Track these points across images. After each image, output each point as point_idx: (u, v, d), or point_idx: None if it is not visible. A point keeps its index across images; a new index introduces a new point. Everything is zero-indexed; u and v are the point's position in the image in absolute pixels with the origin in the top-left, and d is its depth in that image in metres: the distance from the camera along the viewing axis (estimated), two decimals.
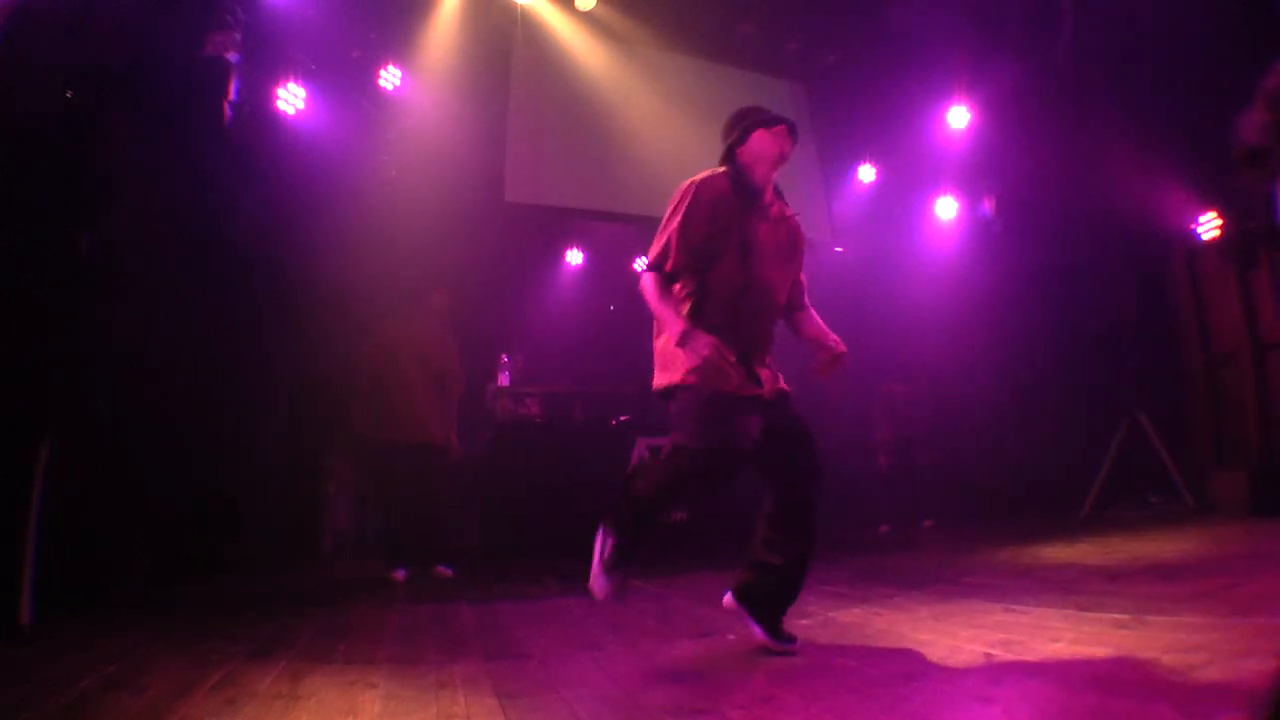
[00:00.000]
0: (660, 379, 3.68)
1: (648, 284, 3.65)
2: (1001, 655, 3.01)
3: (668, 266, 3.61)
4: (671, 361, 3.60)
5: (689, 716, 2.63)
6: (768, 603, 3.59)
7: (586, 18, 9.70)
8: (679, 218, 3.58)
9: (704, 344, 3.28)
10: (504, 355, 9.06)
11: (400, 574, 6.69)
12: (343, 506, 8.71)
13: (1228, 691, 2.24)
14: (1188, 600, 3.62)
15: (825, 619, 4.16)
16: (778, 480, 3.63)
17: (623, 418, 9.07)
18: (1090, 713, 2.22)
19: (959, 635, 3.44)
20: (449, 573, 6.85)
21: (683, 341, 3.35)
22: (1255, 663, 2.47)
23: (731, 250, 3.56)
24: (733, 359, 3.41)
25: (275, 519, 7.94)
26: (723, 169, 3.74)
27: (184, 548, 6.63)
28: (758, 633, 3.55)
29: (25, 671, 3.48)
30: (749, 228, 3.60)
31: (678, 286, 3.66)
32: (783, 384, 3.69)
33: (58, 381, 5.17)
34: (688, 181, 3.64)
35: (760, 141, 3.66)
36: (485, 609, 5.28)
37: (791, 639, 3.52)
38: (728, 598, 3.72)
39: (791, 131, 3.69)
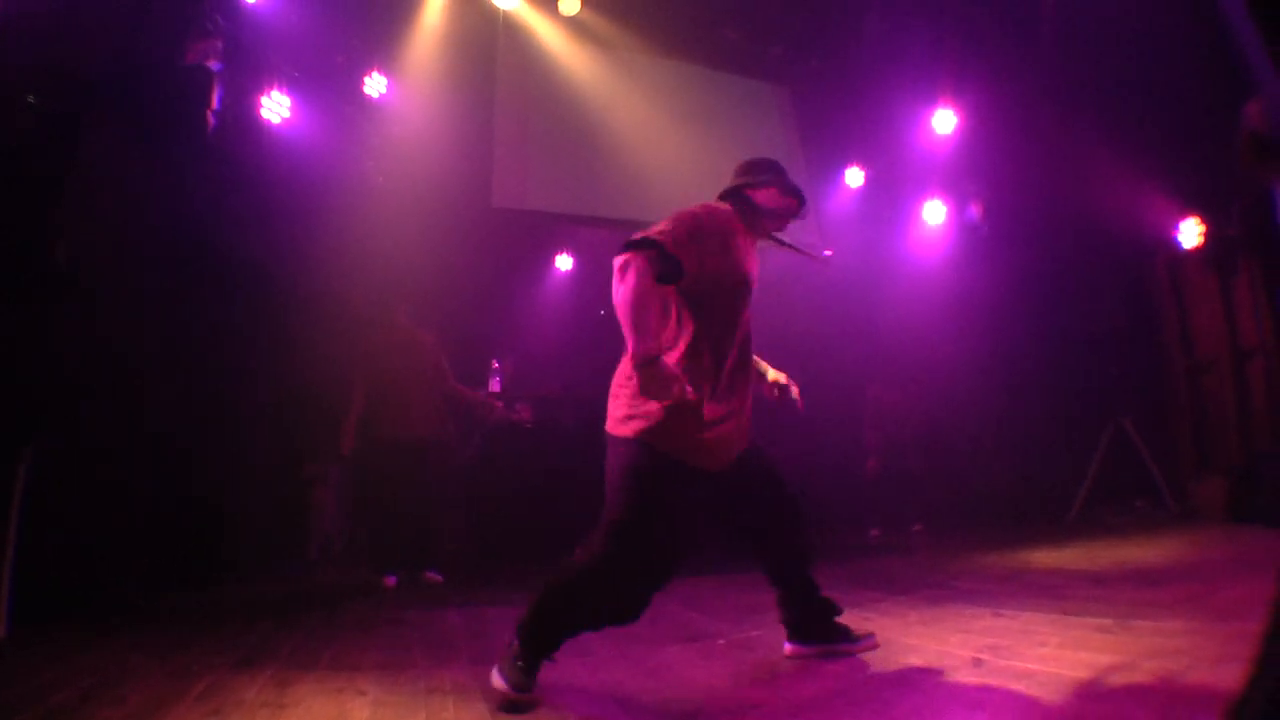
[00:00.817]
0: (618, 422, 3.27)
1: (634, 265, 2.96)
2: (989, 660, 3.04)
3: (669, 245, 3.01)
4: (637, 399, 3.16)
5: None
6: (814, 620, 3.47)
7: (570, 22, 9.72)
8: (689, 223, 3.12)
9: (676, 384, 2.86)
10: (494, 361, 9.05)
11: (390, 580, 6.69)
12: (331, 512, 8.69)
13: (1206, 697, 2.28)
14: (1169, 605, 3.66)
15: None
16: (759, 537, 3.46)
17: None
18: (1074, 718, 2.25)
19: (948, 640, 3.47)
20: (439, 578, 6.84)
21: (647, 368, 2.86)
22: (1233, 668, 2.50)
23: (727, 288, 3.23)
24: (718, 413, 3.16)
25: (263, 526, 7.91)
26: (726, 204, 3.46)
27: (169, 556, 6.61)
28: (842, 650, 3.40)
29: (0, 684, 3.47)
30: (747, 264, 3.29)
31: (672, 309, 3.23)
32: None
33: (37, 392, 5.17)
34: (698, 207, 3.24)
35: (773, 199, 3.46)
36: (473, 614, 5.27)
37: (861, 636, 3.43)
38: (789, 648, 3.52)
39: (800, 209, 3.54)
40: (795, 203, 3.50)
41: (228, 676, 3.56)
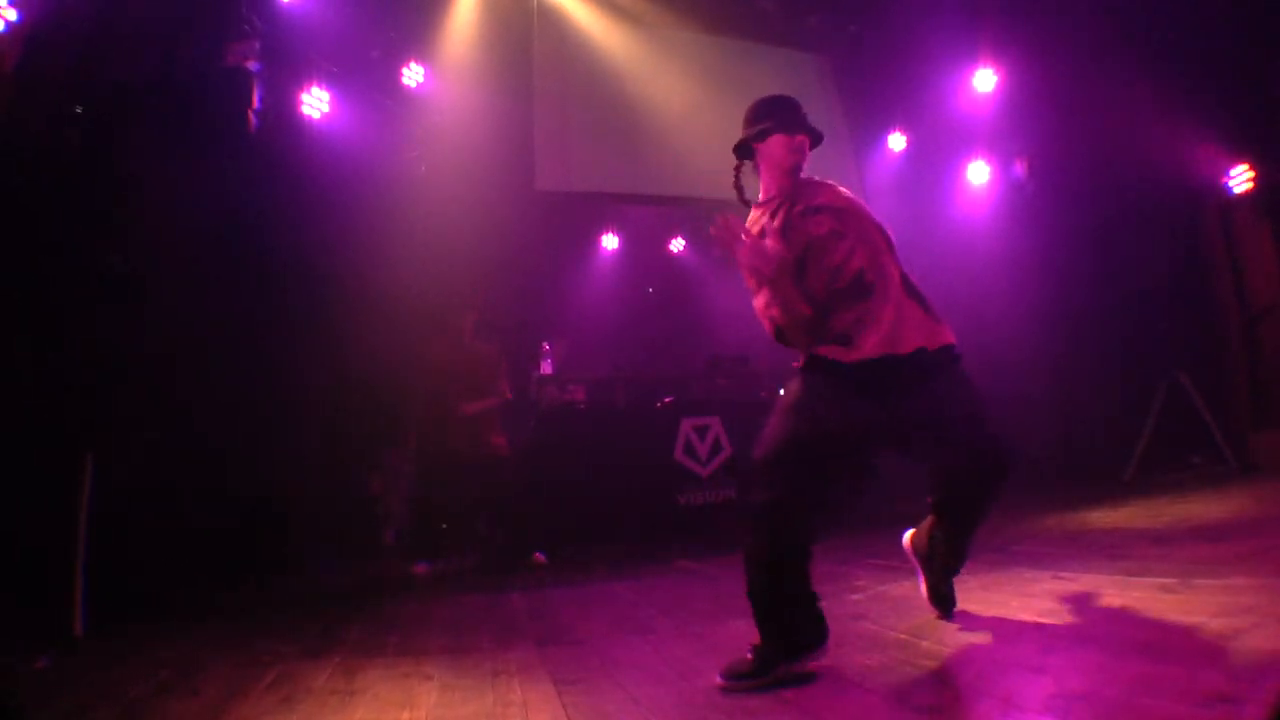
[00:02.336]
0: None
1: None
2: (1051, 623, 3.03)
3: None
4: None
5: (743, 696, 2.68)
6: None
7: (605, 1, 9.73)
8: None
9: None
10: (545, 343, 9.09)
11: (421, 567, 6.94)
12: (399, 502, 8.79)
13: (1275, 656, 2.26)
14: (1233, 563, 3.60)
15: (876, 592, 4.20)
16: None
17: (666, 400, 9.11)
18: (1139, 680, 2.24)
19: (1009, 604, 3.46)
20: (543, 559, 6.97)
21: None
22: None
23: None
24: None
25: (324, 518, 8.03)
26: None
27: (233, 552, 6.74)
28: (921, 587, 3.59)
29: (77, 681, 3.55)
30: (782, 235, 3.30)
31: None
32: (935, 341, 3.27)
33: (98, 395, 5.28)
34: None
35: (776, 145, 3.44)
36: (535, 597, 5.35)
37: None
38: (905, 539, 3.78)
39: (814, 144, 3.50)
40: (804, 139, 3.46)
41: (297, 665, 3.64)
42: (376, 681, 3.28)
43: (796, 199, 3.35)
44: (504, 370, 7.40)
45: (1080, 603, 3.30)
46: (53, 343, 5.31)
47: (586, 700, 2.82)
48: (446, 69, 9.21)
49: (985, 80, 9.78)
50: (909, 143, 11.07)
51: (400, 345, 7.35)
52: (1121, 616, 2.96)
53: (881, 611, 3.70)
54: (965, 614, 3.41)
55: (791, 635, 2.91)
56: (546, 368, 8.98)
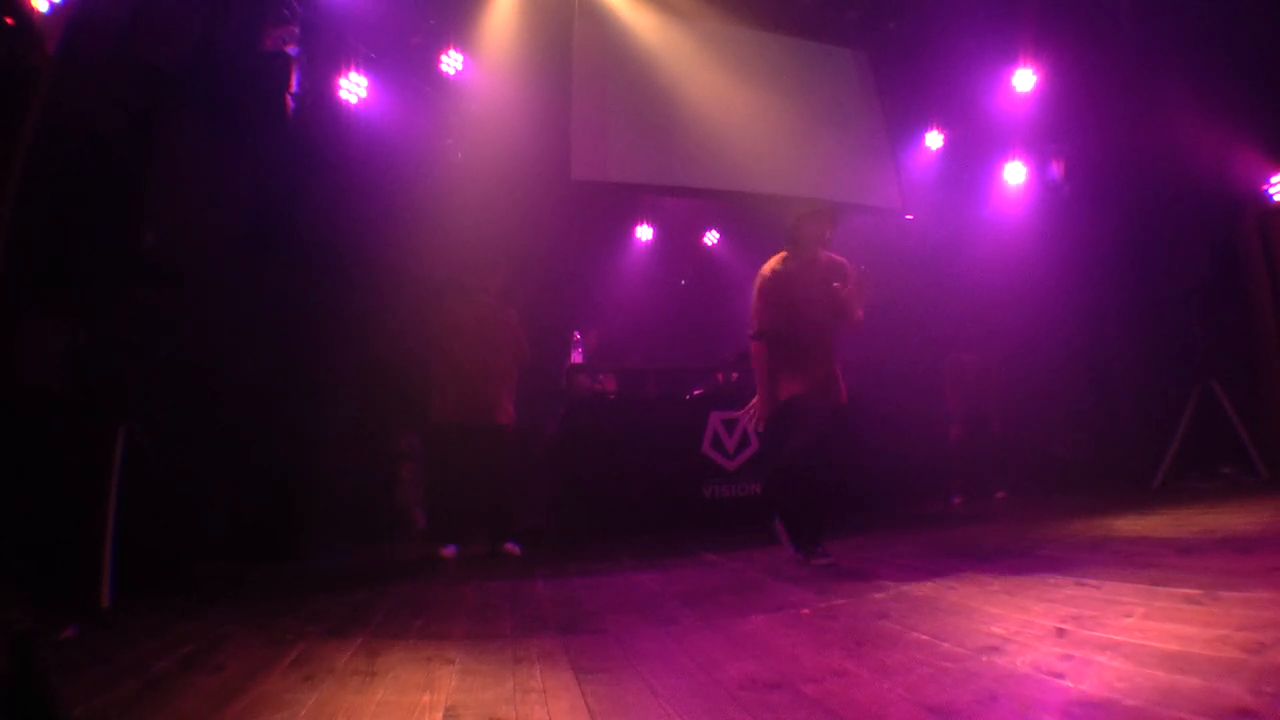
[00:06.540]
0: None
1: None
2: (1073, 630, 3.02)
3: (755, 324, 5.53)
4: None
5: (763, 690, 2.68)
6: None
7: None
8: (758, 298, 5.52)
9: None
10: (576, 333, 9.11)
11: (449, 551, 6.86)
12: (418, 485, 8.82)
13: None
14: (1260, 575, 3.58)
15: (898, 592, 4.19)
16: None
17: (696, 392, 9.12)
18: (1160, 690, 2.23)
19: (1031, 609, 3.44)
20: (516, 550, 6.93)
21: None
22: None
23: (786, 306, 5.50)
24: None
25: (348, 500, 8.08)
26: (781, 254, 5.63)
27: (259, 531, 6.78)
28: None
29: (103, 653, 3.56)
30: (796, 290, 5.49)
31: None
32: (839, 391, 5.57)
33: (131, 372, 5.34)
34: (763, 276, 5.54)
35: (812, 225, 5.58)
36: (560, 585, 5.35)
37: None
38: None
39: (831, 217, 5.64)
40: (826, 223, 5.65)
41: (320, 645, 3.66)
42: (398, 664, 3.30)
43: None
44: (523, 336, 7.27)
45: (1103, 610, 3.28)
46: (88, 317, 5.37)
47: (607, 690, 2.83)
48: (486, 57, 9.22)
49: (1024, 80, 9.73)
50: (946, 141, 11.03)
51: (428, 332, 7.35)
52: (1145, 626, 2.94)
53: (904, 611, 3.68)
54: (987, 616, 3.41)
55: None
56: (577, 357, 8.99)
